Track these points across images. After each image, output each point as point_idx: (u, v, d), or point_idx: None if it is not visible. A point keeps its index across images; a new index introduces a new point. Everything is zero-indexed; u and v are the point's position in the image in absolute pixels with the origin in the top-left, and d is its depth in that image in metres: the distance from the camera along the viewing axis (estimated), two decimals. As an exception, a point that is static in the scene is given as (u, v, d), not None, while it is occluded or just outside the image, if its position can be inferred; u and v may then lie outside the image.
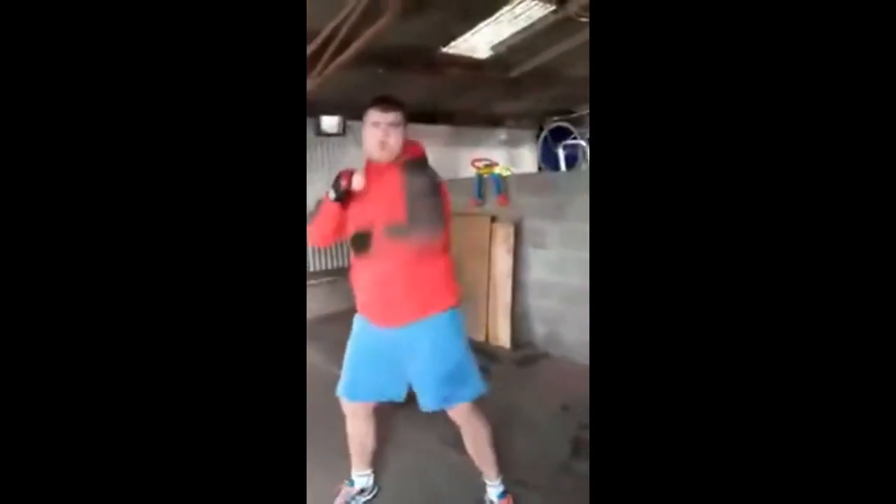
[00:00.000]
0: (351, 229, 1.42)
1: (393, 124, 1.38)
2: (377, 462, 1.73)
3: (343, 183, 1.35)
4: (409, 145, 1.46)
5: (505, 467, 1.65)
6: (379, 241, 1.36)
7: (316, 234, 1.45)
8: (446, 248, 1.47)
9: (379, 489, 1.72)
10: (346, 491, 1.65)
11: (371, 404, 1.55)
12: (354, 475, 1.66)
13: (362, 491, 1.67)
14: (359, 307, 1.50)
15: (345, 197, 1.37)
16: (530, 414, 2.28)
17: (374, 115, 1.39)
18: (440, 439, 1.95)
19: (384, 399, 1.52)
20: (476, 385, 1.44)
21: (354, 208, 1.40)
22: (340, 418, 1.60)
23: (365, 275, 1.43)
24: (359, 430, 1.58)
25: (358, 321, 1.52)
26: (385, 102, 1.40)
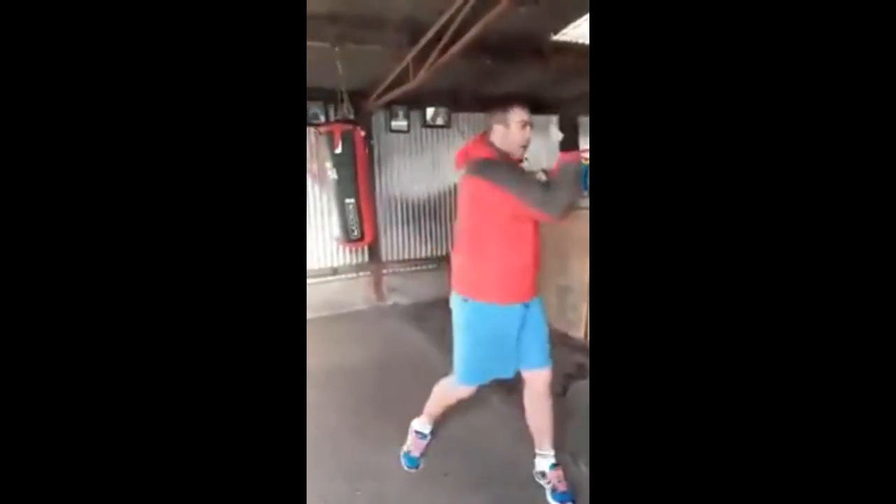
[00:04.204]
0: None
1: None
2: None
3: None
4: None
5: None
6: (523, 226, 1.51)
7: None
8: None
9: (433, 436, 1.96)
10: (419, 442, 1.89)
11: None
12: (425, 427, 1.90)
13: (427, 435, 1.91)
14: (482, 294, 1.54)
15: None
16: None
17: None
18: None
19: (495, 377, 1.63)
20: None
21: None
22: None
23: (503, 259, 1.51)
24: (455, 403, 1.77)
25: (476, 308, 1.55)
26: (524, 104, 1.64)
